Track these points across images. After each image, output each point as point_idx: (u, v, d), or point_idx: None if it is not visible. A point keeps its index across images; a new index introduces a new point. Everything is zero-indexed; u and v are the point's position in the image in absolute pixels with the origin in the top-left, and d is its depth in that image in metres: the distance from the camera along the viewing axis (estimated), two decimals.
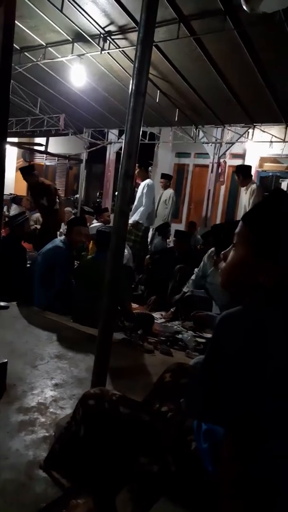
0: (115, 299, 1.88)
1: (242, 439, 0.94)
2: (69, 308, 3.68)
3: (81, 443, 1.31)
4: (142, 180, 6.03)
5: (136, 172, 5.94)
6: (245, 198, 5.48)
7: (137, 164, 6.33)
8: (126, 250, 5.13)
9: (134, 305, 4.12)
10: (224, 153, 8.64)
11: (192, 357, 3.12)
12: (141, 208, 5.90)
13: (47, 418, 2.03)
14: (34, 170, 6.17)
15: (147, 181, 6.01)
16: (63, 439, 1.42)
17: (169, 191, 7.19)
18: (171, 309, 4.27)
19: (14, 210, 9.69)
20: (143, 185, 5.98)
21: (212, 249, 4.10)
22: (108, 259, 1.85)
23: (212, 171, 8.69)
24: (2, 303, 3.54)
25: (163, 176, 7.57)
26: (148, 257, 5.87)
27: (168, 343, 3.33)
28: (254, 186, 5.42)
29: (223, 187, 9.50)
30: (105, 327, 1.89)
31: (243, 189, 5.61)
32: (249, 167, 5.78)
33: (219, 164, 8.65)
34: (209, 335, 3.63)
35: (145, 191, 5.91)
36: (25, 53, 6.40)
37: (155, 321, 3.84)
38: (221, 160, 8.73)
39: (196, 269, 4.26)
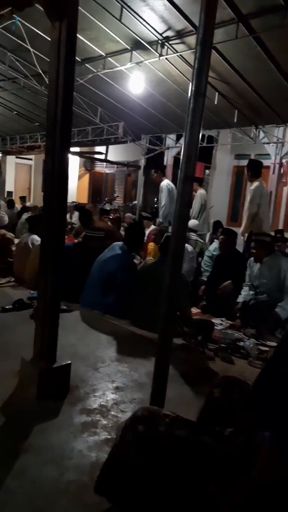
0: (174, 303, 1.86)
1: None
2: (128, 312, 3.70)
3: (135, 471, 1.18)
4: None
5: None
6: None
7: (153, 169, 7.00)
8: (189, 247, 5.24)
9: (194, 311, 4.07)
10: (287, 153, 8.32)
11: (254, 366, 3.01)
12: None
13: (109, 421, 2.06)
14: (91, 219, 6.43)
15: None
16: (113, 464, 1.29)
17: (198, 192, 7.34)
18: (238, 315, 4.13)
19: (76, 217, 10.04)
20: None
21: (251, 258, 4.29)
22: (167, 261, 1.83)
23: (273, 172, 8.41)
24: (65, 306, 3.66)
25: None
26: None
27: (229, 351, 3.24)
28: (255, 184, 5.35)
29: (285, 188, 9.12)
30: (165, 332, 1.87)
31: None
32: (260, 165, 5.58)
33: (281, 164, 8.35)
34: (273, 344, 3.48)
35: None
36: (86, 65, 6.62)
37: (215, 327, 3.75)
38: (284, 161, 8.41)
39: (244, 284, 4.31)
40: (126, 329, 3.48)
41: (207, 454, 1.11)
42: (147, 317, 3.35)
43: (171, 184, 7.25)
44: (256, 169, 5.48)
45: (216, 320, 4.07)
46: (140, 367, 2.74)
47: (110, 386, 2.44)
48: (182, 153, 1.77)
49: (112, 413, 2.14)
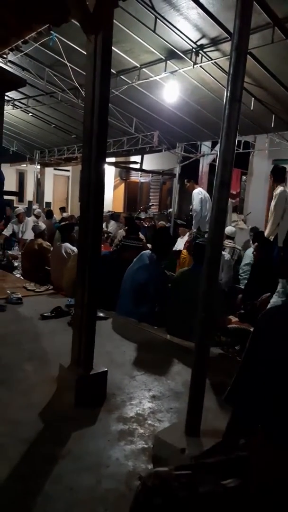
0: (211, 310, 1.83)
1: None
2: (163, 321, 3.68)
3: None
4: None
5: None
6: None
7: (186, 179, 7.74)
8: (227, 255, 5.23)
9: (232, 319, 3.99)
10: None
11: None
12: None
13: (146, 430, 2.04)
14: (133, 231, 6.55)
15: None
16: None
17: None
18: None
19: (112, 226, 10.18)
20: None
21: None
22: (203, 269, 1.81)
23: None
24: (102, 314, 3.70)
25: None
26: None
27: None
28: (278, 190, 5.58)
29: None
30: (201, 341, 1.84)
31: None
32: (282, 170, 5.87)
33: None
34: None
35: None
36: (121, 76, 6.74)
37: None
38: None
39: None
40: (162, 337, 3.46)
41: (241, 498, 1.00)
42: (183, 326, 3.31)
43: (203, 192, 7.34)
44: (278, 174, 5.77)
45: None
46: (176, 376, 2.71)
47: (147, 394, 2.43)
48: (218, 159, 1.75)
49: (149, 422, 2.13)
